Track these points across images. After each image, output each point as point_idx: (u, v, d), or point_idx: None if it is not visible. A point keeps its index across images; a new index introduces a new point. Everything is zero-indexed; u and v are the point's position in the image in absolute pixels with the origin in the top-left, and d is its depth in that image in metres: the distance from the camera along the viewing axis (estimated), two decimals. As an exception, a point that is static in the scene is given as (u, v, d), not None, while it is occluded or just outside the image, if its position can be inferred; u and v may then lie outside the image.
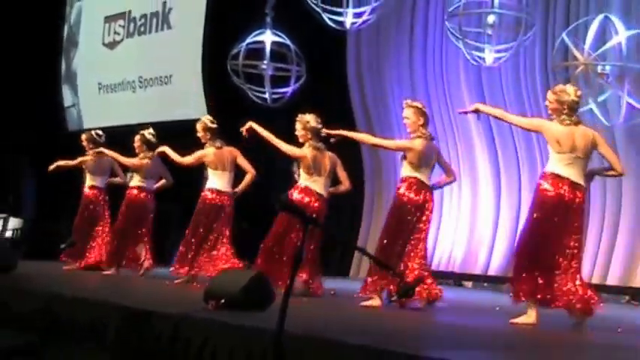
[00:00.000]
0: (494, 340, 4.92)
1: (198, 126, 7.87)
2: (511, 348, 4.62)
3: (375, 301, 6.34)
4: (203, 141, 7.85)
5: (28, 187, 12.91)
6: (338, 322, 5.45)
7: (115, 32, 12.56)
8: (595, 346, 4.93)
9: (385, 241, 6.38)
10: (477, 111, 5.92)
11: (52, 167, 9.29)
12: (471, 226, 9.82)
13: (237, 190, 7.85)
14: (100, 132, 9.43)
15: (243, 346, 4.23)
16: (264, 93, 9.39)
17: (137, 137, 8.76)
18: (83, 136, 9.44)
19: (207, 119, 7.96)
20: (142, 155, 8.69)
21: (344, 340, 4.05)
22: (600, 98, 7.73)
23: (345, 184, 7.14)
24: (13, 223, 12.04)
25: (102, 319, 5.25)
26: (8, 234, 11.88)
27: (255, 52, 9.42)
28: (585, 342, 5.10)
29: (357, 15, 8.45)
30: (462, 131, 9.88)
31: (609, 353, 4.58)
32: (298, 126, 7.07)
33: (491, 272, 9.51)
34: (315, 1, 8.28)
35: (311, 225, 3.78)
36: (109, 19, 12.68)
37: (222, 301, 5.38)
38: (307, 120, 7.04)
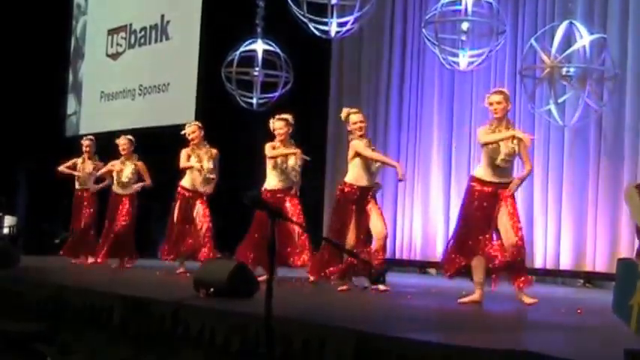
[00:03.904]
0: (474, 321, 5.27)
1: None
2: (491, 330, 4.89)
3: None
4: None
5: (21, 187, 13.31)
6: (321, 307, 5.80)
7: (118, 44, 12.95)
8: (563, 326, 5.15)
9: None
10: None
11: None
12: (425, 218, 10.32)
13: None
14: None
15: (239, 329, 4.56)
16: (251, 98, 9.79)
17: (125, 140, 9.31)
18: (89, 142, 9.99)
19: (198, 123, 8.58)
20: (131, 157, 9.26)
21: (327, 323, 4.43)
22: (560, 100, 8.17)
23: None
24: (8, 220, 12.44)
25: (107, 306, 5.60)
26: (5, 231, 12.28)
27: (247, 59, 9.78)
28: (554, 323, 5.28)
29: (342, 24, 8.70)
30: (425, 135, 10.36)
31: (572, 332, 4.86)
32: (281, 124, 7.50)
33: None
34: (301, 12, 8.54)
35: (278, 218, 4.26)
36: (111, 31, 13.08)
37: (212, 289, 5.79)
38: (287, 117, 7.54)
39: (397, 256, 10.57)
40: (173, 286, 7.05)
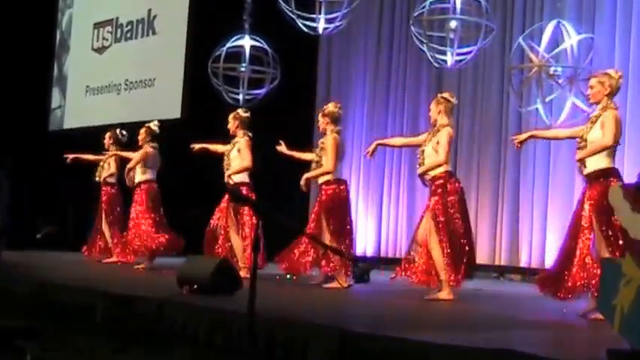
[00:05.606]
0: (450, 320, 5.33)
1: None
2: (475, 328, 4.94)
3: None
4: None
5: (3, 181, 13.18)
6: (304, 305, 5.83)
7: (104, 38, 12.84)
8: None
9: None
10: (532, 137, 6.16)
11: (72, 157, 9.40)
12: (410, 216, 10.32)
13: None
14: (124, 132, 9.68)
15: (222, 326, 4.60)
16: (238, 94, 9.75)
17: (143, 130, 8.98)
18: (108, 134, 9.65)
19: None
20: (147, 145, 8.89)
21: (311, 320, 4.44)
22: (548, 99, 8.20)
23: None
24: None
25: (91, 303, 5.62)
26: None
27: (235, 55, 9.75)
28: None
29: (330, 21, 8.69)
30: (412, 132, 10.31)
31: (557, 332, 4.92)
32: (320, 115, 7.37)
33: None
34: (289, 8, 8.54)
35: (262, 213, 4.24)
36: (97, 25, 12.97)
37: (195, 286, 5.81)
38: (327, 106, 7.42)
39: (382, 254, 10.56)
40: (157, 282, 7.03)
